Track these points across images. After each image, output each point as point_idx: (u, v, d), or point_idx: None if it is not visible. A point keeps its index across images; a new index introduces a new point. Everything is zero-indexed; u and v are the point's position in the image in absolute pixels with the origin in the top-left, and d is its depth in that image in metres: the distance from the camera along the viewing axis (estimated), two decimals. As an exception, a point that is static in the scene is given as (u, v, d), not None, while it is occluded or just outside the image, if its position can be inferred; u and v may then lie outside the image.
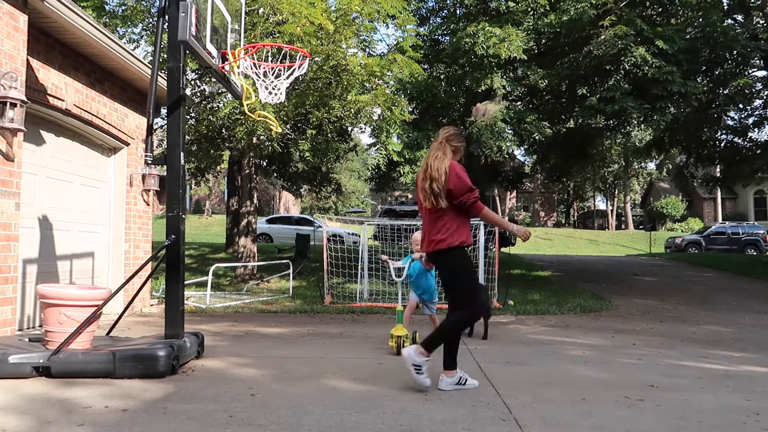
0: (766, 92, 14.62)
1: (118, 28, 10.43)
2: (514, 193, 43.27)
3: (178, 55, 4.45)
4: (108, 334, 4.82)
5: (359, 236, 12.85)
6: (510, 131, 12.50)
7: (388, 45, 23.89)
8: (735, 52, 12.74)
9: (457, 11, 14.47)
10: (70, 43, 5.97)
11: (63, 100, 5.86)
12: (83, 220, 6.76)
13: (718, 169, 19.96)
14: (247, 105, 5.07)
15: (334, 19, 8.73)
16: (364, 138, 34.47)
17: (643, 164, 43.26)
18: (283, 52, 4.89)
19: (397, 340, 4.89)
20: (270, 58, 5.00)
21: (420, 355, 3.62)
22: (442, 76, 14.04)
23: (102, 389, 3.56)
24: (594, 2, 11.70)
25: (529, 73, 12.46)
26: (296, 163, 16.22)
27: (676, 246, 26.35)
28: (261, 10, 8.89)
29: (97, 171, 7.09)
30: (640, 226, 41.93)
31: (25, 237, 5.49)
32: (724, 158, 15.83)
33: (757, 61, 14.03)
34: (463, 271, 3.75)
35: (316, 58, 8.80)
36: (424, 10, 15.01)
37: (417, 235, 5.41)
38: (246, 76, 5.02)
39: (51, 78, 5.69)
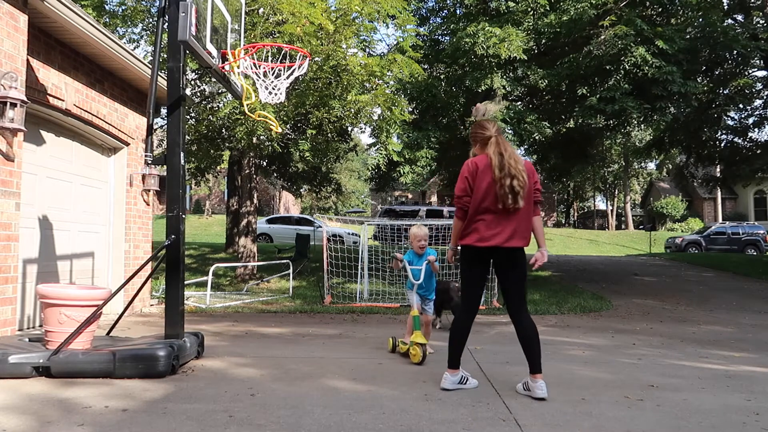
0: (766, 92, 14.63)
1: (118, 28, 10.44)
2: (514, 193, 43.16)
3: (178, 55, 4.45)
4: (108, 334, 4.82)
5: (359, 236, 12.84)
6: (510, 131, 12.50)
7: (388, 45, 23.93)
8: (735, 52, 12.74)
9: (457, 11, 14.47)
10: (70, 43, 5.97)
11: (63, 100, 5.86)
12: (83, 220, 6.76)
13: (718, 169, 19.97)
14: (247, 105, 5.07)
15: (334, 19, 8.74)
16: (364, 138, 34.57)
17: (643, 164, 43.28)
18: (283, 52, 4.89)
19: (423, 349, 4.52)
20: (270, 58, 5.00)
21: (539, 378, 3.57)
22: (442, 76, 14.03)
23: (102, 389, 3.56)
24: (594, 2, 11.69)
25: (529, 73, 12.45)
26: (296, 163, 16.22)
27: (676, 246, 26.35)
28: (261, 10, 8.89)
29: (97, 171, 7.09)
30: (640, 226, 41.94)
31: (25, 237, 5.49)
32: (724, 158, 15.84)
33: (757, 61, 14.03)
34: None
35: (316, 58, 8.80)
36: (424, 10, 15.01)
37: (416, 230, 5.09)
38: (246, 76, 5.01)
39: (51, 78, 5.69)
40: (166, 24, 4.44)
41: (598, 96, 11.90)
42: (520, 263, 3.68)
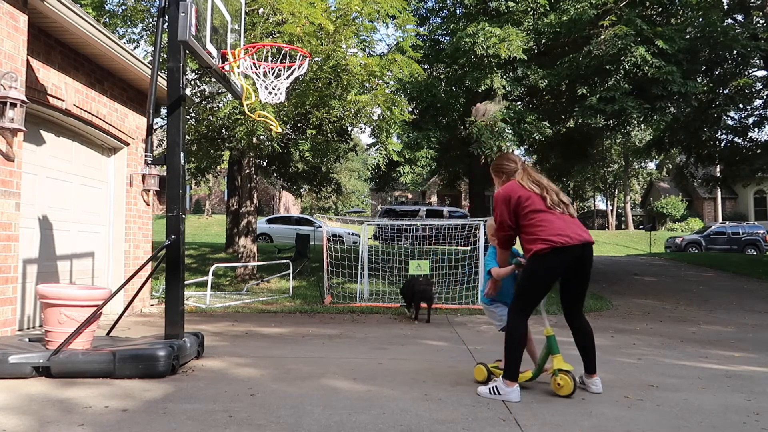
0: (766, 92, 14.62)
1: (118, 28, 10.44)
2: (514, 193, 43.15)
3: (178, 55, 4.45)
4: (108, 334, 4.82)
5: (359, 236, 12.84)
6: (510, 131, 12.50)
7: (388, 45, 23.93)
8: (735, 52, 12.75)
9: (457, 11, 14.48)
10: (70, 43, 5.97)
11: (63, 100, 5.86)
12: (83, 220, 6.76)
13: (718, 169, 19.96)
14: (247, 105, 5.07)
15: (334, 19, 8.73)
16: (364, 138, 34.51)
17: (643, 164, 43.27)
18: (283, 52, 4.89)
19: (572, 377, 3.62)
20: (270, 58, 5.00)
21: (595, 377, 3.76)
22: (442, 76, 14.04)
23: (102, 389, 3.56)
24: (594, 2, 11.70)
25: (529, 73, 12.46)
26: (296, 163, 16.23)
27: (676, 246, 26.34)
28: (261, 10, 8.88)
29: (97, 171, 7.09)
30: (640, 226, 41.93)
31: (25, 237, 5.49)
32: (724, 158, 15.83)
33: (757, 61, 14.03)
34: None
35: (316, 58, 8.80)
36: (424, 10, 15.02)
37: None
38: (246, 76, 5.01)
39: (51, 78, 5.69)
40: (166, 24, 4.44)
41: (598, 96, 11.90)
42: (591, 264, 3.75)
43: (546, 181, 3.73)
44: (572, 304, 3.79)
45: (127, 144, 7.42)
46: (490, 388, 3.56)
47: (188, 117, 10.74)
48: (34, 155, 5.74)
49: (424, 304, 7.44)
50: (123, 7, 10.55)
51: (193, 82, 11.07)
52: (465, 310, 8.55)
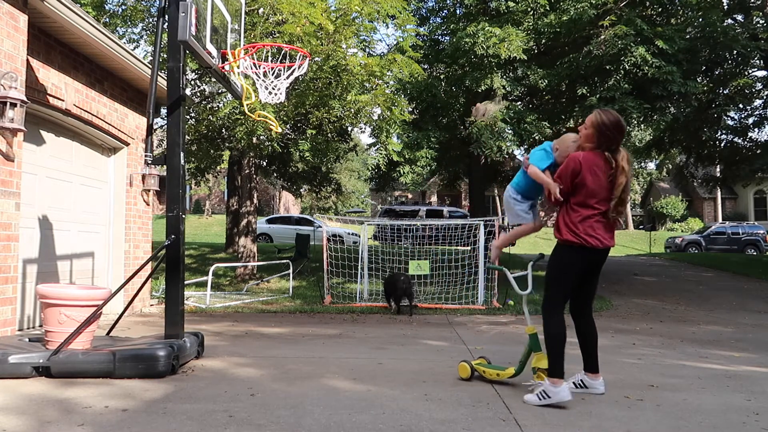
0: (766, 92, 14.62)
1: (118, 28, 10.45)
2: (514, 193, 43.15)
3: (178, 55, 4.45)
4: (108, 334, 4.82)
5: (359, 236, 12.84)
6: (510, 131, 12.50)
7: (388, 45, 23.90)
8: (735, 52, 12.75)
9: (457, 11, 14.48)
10: (70, 43, 5.97)
11: (63, 100, 5.86)
12: (83, 220, 6.76)
13: (718, 169, 19.95)
14: (247, 105, 5.07)
15: (334, 19, 8.73)
16: (364, 138, 34.49)
17: (643, 164, 43.25)
18: (283, 52, 4.89)
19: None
20: (270, 58, 5.00)
21: (599, 377, 3.72)
22: (442, 76, 14.03)
23: (102, 389, 3.57)
24: (594, 2, 11.70)
25: (529, 73, 12.46)
26: (296, 163, 16.22)
27: (676, 246, 26.34)
28: (261, 10, 8.89)
29: (97, 171, 7.09)
30: (640, 226, 41.92)
31: (25, 237, 5.49)
32: (724, 158, 15.83)
33: (757, 61, 14.04)
34: None
35: (316, 58, 8.80)
36: (424, 10, 15.02)
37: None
38: (246, 76, 5.01)
39: (51, 78, 5.69)
40: (166, 24, 4.44)
41: (598, 96, 11.89)
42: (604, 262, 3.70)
43: (627, 184, 3.56)
44: (583, 302, 3.75)
45: (127, 144, 7.42)
46: (538, 394, 3.40)
47: (188, 117, 10.75)
48: (34, 155, 5.74)
49: (405, 301, 8.08)
50: (123, 7, 10.56)
51: (193, 82, 11.07)
52: (465, 310, 8.55)
